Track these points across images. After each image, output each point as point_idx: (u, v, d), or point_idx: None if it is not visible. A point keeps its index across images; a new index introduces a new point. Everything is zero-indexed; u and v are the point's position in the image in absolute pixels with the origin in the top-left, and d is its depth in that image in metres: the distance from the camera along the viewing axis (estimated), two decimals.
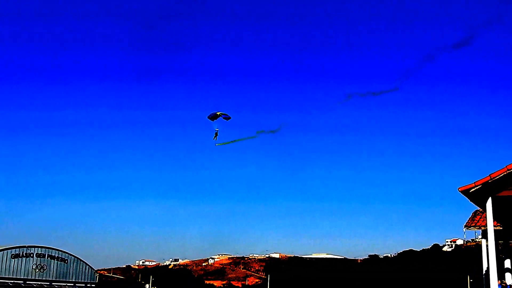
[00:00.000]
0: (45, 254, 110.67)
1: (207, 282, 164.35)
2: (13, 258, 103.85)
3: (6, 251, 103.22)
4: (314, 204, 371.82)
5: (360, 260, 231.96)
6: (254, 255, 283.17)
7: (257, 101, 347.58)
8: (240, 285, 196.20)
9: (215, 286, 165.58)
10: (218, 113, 54.57)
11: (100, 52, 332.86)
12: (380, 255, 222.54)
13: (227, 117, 55.03)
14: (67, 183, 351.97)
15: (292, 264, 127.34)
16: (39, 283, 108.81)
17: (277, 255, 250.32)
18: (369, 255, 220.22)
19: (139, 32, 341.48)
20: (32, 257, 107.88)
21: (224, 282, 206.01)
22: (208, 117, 55.00)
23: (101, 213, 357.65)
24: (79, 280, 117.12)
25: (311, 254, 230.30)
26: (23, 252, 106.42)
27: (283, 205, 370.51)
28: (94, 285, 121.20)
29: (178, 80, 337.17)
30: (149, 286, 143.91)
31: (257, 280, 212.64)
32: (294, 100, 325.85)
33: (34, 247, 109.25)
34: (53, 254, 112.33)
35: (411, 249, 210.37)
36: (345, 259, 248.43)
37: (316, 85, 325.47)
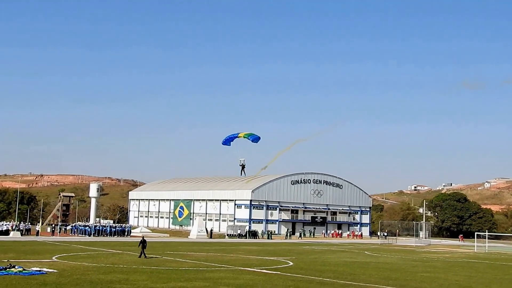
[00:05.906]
0: (321, 180, 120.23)
1: (483, 206, 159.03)
2: (292, 185, 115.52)
3: (286, 177, 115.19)
4: None
5: None
6: None
7: None
8: None
9: (493, 211, 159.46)
10: (242, 134, 41.81)
11: None
12: None
13: (256, 140, 42.00)
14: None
15: None
16: (317, 207, 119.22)
17: None
18: None
19: None
20: (310, 183, 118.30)
21: (502, 207, 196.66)
22: (223, 143, 41.43)
23: (372, 138, 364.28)
24: (354, 205, 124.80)
25: None
26: (301, 178, 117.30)
27: None
28: (368, 209, 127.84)
29: None
30: (423, 210, 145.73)
31: None
32: None
33: (311, 173, 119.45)
34: (329, 180, 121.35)
35: None
36: None
37: None
